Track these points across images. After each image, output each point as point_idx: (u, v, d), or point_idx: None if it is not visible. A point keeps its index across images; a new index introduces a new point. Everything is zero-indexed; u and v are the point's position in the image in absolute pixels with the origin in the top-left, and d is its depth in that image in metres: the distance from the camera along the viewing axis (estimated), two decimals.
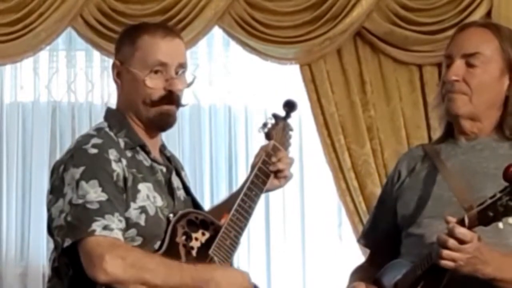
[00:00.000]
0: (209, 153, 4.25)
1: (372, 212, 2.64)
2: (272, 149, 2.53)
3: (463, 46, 2.34)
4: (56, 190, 2.26)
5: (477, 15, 4.08)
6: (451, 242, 2.11)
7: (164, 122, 2.40)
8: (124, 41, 2.42)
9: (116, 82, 2.42)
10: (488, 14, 4.10)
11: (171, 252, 2.27)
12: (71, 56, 4.22)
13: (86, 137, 2.32)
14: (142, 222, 2.26)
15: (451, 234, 2.11)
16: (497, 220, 2.10)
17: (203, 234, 2.35)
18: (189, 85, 2.43)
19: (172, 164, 2.49)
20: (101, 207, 2.19)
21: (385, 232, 2.51)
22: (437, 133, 4.04)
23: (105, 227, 2.17)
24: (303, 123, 4.29)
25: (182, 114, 4.27)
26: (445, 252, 2.12)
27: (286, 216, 4.28)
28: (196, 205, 2.47)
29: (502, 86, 2.34)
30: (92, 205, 2.19)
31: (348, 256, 4.24)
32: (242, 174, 4.19)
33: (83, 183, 2.21)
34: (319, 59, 4.14)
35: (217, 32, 4.20)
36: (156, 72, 2.34)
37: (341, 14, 4.07)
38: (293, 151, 4.26)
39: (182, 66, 2.39)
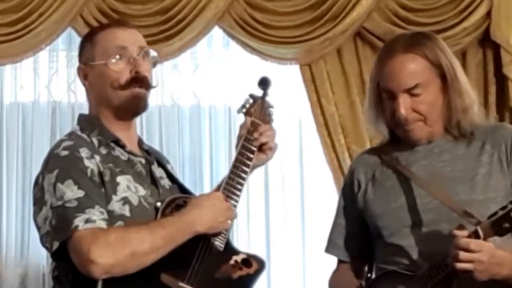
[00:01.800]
0: (209, 153, 4.25)
1: (336, 222, 2.61)
2: (252, 125, 2.52)
3: (401, 83, 2.37)
4: (38, 201, 2.28)
5: (477, 15, 4.09)
6: (463, 254, 2.15)
7: (136, 105, 2.39)
8: (83, 45, 2.47)
9: (84, 85, 2.45)
10: (488, 14, 4.10)
11: None
12: (71, 56, 4.22)
13: (58, 143, 2.34)
14: (127, 213, 2.25)
15: (465, 248, 2.15)
16: None
17: None
18: (154, 64, 2.45)
19: (152, 156, 2.49)
20: (80, 204, 2.20)
21: (355, 240, 2.54)
22: None
23: (87, 221, 2.18)
24: (303, 123, 4.29)
25: (182, 114, 4.28)
26: (459, 265, 2.16)
27: (286, 216, 4.28)
28: (184, 191, 2.47)
29: (443, 95, 2.40)
30: (71, 204, 2.20)
31: None
32: None
33: (59, 185, 2.23)
34: (319, 59, 4.14)
35: (217, 32, 4.20)
36: (119, 57, 2.37)
37: (341, 14, 4.08)
38: (293, 151, 4.30)
39: (143, 48, 2.41)
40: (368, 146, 4.09)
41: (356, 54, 4.18)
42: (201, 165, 4.24)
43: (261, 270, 2.37)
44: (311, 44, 4.10)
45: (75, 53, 4.20)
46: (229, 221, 2.33)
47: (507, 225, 2.13)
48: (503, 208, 2.14)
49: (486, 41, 4.13)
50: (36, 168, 2.21)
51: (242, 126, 2.54)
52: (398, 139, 2.47)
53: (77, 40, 4.12)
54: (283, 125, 4.25)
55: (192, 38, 4.09)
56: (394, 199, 2.41)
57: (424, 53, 2.37)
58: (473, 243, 2.15)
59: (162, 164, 2.51)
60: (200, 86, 4.29)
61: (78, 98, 4.17)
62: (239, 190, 2.40)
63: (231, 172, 2.42)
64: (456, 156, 2.39)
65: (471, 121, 2.40)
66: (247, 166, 2.44)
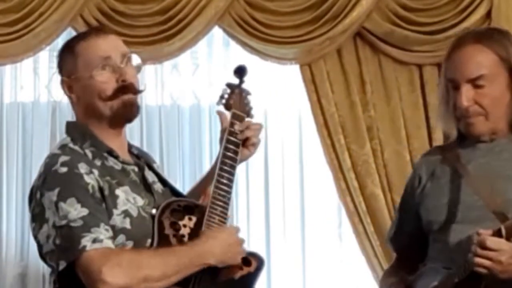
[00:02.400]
0: (209, 153, 4.25)
1: (395, 216, 2.66)
2: (234, 118, 2.51)
3: (466, 72, 2.36)
4: (38, 217, 2.27)
5: (477, 15, 4.08)
6: (479, 251, 2.16)
7: (128, 112, 2.38)
8: (63, 56, 2.44)
9: (70, 97, 2.42)
10: (488, 14, 4.10)
11: (163, 245, 2.28)
12: None
13: (53, 158, 2.32)
14: (128, 226, 2.26)
15: (482, 246, 2.15)
16: None
17: (189, 219, 2.34)
18: (138, 69, 2.44)
19: (141, 161, 2.48)
20: (85, 223, 2.19)
21: (410, 236, 2.55)
22: (437, 132, 4.09)
23: (94, 240, 2.18)
24: (303, 123, 4.29)
25: (182, 114, 4.28)
26: (477, 260, 2.17)
27: (286, 216, 4.27)
28: (175, 193, 2.47)
29: (511, 92, 2.39)
30: (76, 223, 2.19)
31: (348, 256, 4.24)
32: (242, 174, 4.19)
33: (61, 204, 2.21)
34: (319, 59, 4.14)
35: (217, 32, 4.20)
36: (103, 68, 2.35)
37: (341, 14, 4.07)
38: (293, 151, 4.30)
39: (125, 55, 2.39)
40: (368, 146, 4.09)
41: (356, 54, 4.17)
42: (201, 165, 4.23)
43: (261, 267, 2.39)
44: (311, 44, 4.10)
45: None
46: (239, 256, 2.33)
47: None
48: None
49: None
50: (36, 168, 2.21)
51: (223, 119, 2.55)
52: (464, 136, 2.45)
53: None
54: (283, 125, 4.25)
55: (192, 38, 4.08)
56: (446, 194, 2.40)
57: (494, 46, 2.36)
58: (490, 241, 2.14)
59: (152, 167, 2.50)
60: (200, 86, 4.28)
61: None
62: (230, 187, 2.40)
63: (220, 169, 2.42)
64: None
65: None
66: (235, 160, 2.45)
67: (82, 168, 2.26)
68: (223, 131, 2.53)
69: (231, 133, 2.48)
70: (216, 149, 4.22)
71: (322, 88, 4.13)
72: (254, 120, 2.57)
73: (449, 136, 2.55)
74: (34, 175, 3.90)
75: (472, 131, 2.39)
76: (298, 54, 4.14)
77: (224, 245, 2.30)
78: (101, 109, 2.36)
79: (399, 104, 4.14)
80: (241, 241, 2.35)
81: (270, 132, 4.24)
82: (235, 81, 2.59)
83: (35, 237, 2.28)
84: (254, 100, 2.58)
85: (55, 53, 4.19)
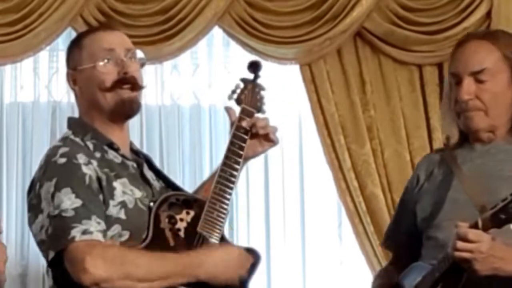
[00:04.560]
0: (209, 153, 4.25)
1: (393, 216, 2.70)
2: (243, 113, 2.50)
3: (469, 65, 2.37)
4: (34, 208, 2.29)
5: (477, 15, 4.08)
6: (460, 244, 2.16)
7: (128, 109, 2.41)
8: (71, 50, 2.50)
9: (74, 90, 2.47)
10: (488, 14, 4.10)
11: (158, 238, 2.28)
12: None
13: (54, 149, 2.34)
14: (123, 216, 2.27)
15: (463, 238, 2.15)
16: (509, 222, 2.15)
17: (187, 213, 2.34)
18: (142, 64, 2.46)
19: (141, 157, 2.50)
20: (77, 214, 2.21)
21: (407, 235, 2.56)
22: (436, 133, 4.09)
23: (84, 232, 2.19)
24: (303, 123, 4.29)
25: (182, 114, 4.28)
26: (457, 254, 2.17)
27: (286, 216, 4.27)
28: (175, 190, 2.47)
29: None
30: (68, 213, 2.21)
31: (348, 256, 4.24)
32: (242, 174, 4.19)
33: (57, 193, 2.23)
34: (319, 59, 4.14)
35: (217, 32, 4.20)
36: (106, 60, 2.38)
37: (341, 14, 4.07)
38: (293, 151, 4.29)
39: (130, 50, 2.43)
40: (368, 146, 4.09)
41: (356, 54, 4.17)
42: (201, 165, 4.23)
43: (257, 262, 2.36)
44: (311, 44, 4.10)
45: None
46: (235, 277, 2.30)
47: (503, 216, 2.13)
48: (503, 200, 2.14)
49: None
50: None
51: (232, 114, 2.53)
52: (464, 138, 2.46)
53: None
54: (283, 125, 4.25)
55: (192, 38, 4.08)
56: (440, 193, 2.42)
57: (499, 44, 2.38)
58: (472, 233, 2.15)
59: (152, 165, 2.51)
60: (200, 86, 4.28)
61: None
62: (232, 182, 2.40)
63: (224, 164, 2.42)
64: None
65: None
66: (240, 156, 2.43)
67: (81, 158, 2.28)
68: (231, 125, 2.50)
69: (238, 128, 2.46)
70: (216, 149, 4.26)
71: (322, 88, 4.13)
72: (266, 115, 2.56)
73: (450, 140, 2.56)
74: None
75: (471, 125, 2.39)
76: (298, 54, 4.14)
77: (221, 262, 2.27)
78: (101, 100, 2.39)
79: (399, 104, 4.14)
80: (244, 264, 2.32)
81: None
82: (250, 76, 2.58)
83: (30, 227, 2.31)
84: (267, 96, 2.56)
85: (55, 53, 4.24)
